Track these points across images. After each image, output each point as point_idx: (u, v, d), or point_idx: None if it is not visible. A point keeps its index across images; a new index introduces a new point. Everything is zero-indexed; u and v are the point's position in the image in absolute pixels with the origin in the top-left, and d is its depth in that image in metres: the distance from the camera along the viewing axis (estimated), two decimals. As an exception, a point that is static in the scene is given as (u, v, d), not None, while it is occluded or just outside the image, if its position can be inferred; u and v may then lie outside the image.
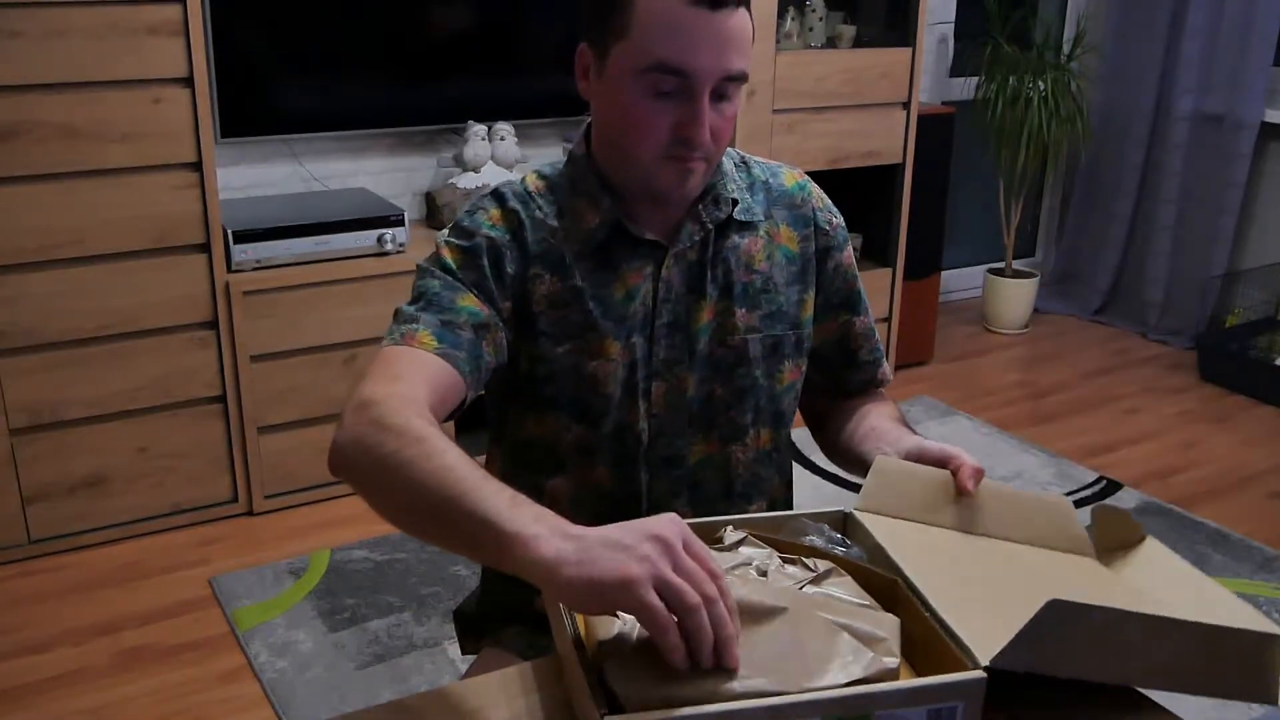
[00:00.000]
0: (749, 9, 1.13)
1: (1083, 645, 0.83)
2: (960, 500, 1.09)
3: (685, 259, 1.21)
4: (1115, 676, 0.87)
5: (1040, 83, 3.83)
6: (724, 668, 0.78)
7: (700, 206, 1.21)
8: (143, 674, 2.18)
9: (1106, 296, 4.28)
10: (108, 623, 2.33)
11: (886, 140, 3.43)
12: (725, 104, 1.13)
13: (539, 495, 1.25)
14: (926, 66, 3.96)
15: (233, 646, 2.26)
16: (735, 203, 1.23)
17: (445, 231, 1.21)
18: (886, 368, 1.37)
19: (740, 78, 1.12)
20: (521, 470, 1.27)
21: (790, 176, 1.31)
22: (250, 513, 2.75)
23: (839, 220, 1.32)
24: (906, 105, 3.42)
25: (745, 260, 1.23)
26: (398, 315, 1.15)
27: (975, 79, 4.00)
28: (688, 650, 0.77)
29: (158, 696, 2.12)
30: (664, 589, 0.76)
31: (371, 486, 0.99)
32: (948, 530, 1.07)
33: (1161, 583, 1.04)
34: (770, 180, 1.29)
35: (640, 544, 0.78)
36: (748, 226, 1.24)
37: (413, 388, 1.04)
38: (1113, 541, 1.12)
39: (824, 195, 1.33)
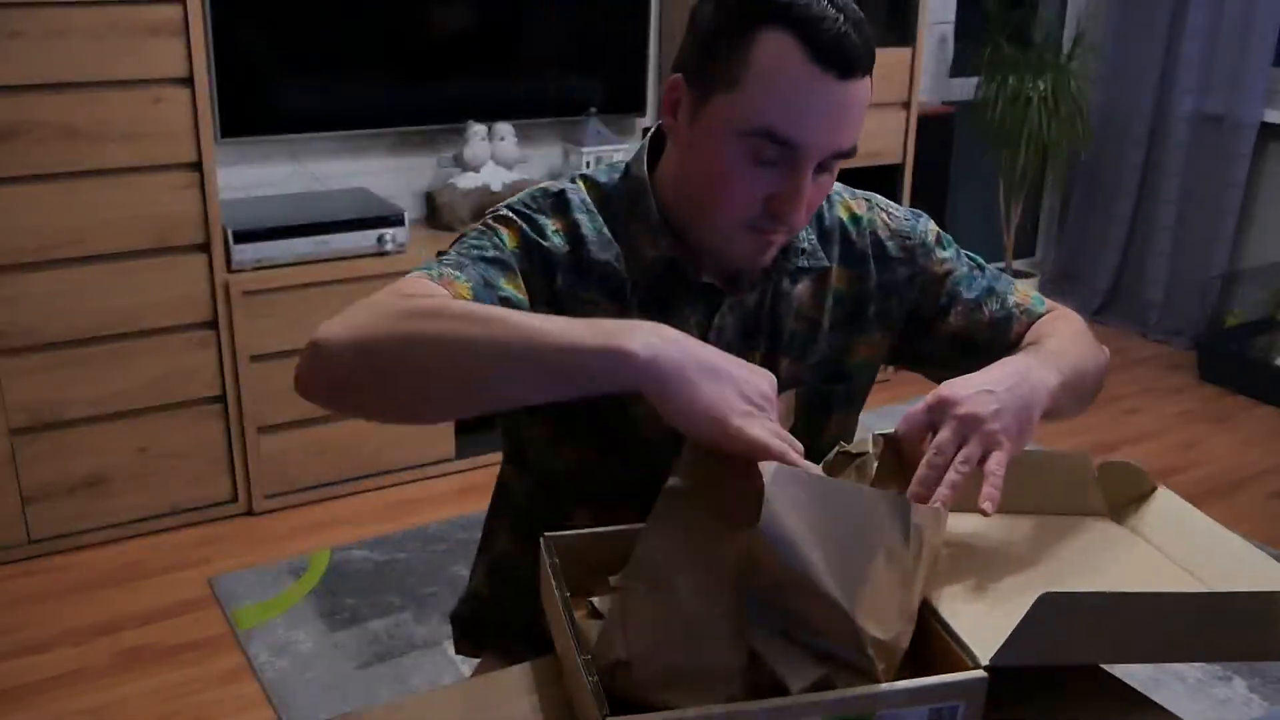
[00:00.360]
0: (871, 74, 1.01)
1: (1080, 633, 0.83)
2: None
3: (743, 305, 1.12)
4: (1120, 657, 0.86)
5: (1040, 83, 3.83)
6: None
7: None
8: (143, 674, 2.18)
9: (1106, 296, 4.28)
10: (108, 623, 2.33)
11: (886, 140, 3.43)
12: (825, 176, 1.03)
13: (565, 524, 1.19)
14: (926, 66, 3.96)
15: (233, 646, 2.26)
16: (804, 251, 1.13)
17: (502, 207, 1.10)
18: (1025, 306, 1.21)
19: (850, 154, 1.01)
20: (548, 496, 1.20)
21: (848, 209, 1.18)
22: (250, 513, 2.75)
23: (918, 235, 1.19)
24: (906, 105, 3.42)
25: (798, 307, 1.13)
26: (440, 256, 1.04)
27: (975, 79, 4.00)
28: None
29: (158, 696, 2.12)
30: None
31: (401, 365, 0.88)
32: (953, 514, 1.05)
33: (1174, 536, 1.04)
34: (825, 212, 1.17)
35: (754, 396, 0.85)
36: (807, 271, 1.14)
37: None
38: (1123, 496, 1.11)
39: (892, 214, 1.20)
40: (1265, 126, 3.76)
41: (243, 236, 2.59)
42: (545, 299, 1.06)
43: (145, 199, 2.45)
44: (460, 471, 2.95)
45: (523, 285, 1.03)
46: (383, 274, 2.71)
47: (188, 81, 2.42)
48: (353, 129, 2.95)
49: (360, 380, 0.89)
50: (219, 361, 2.62)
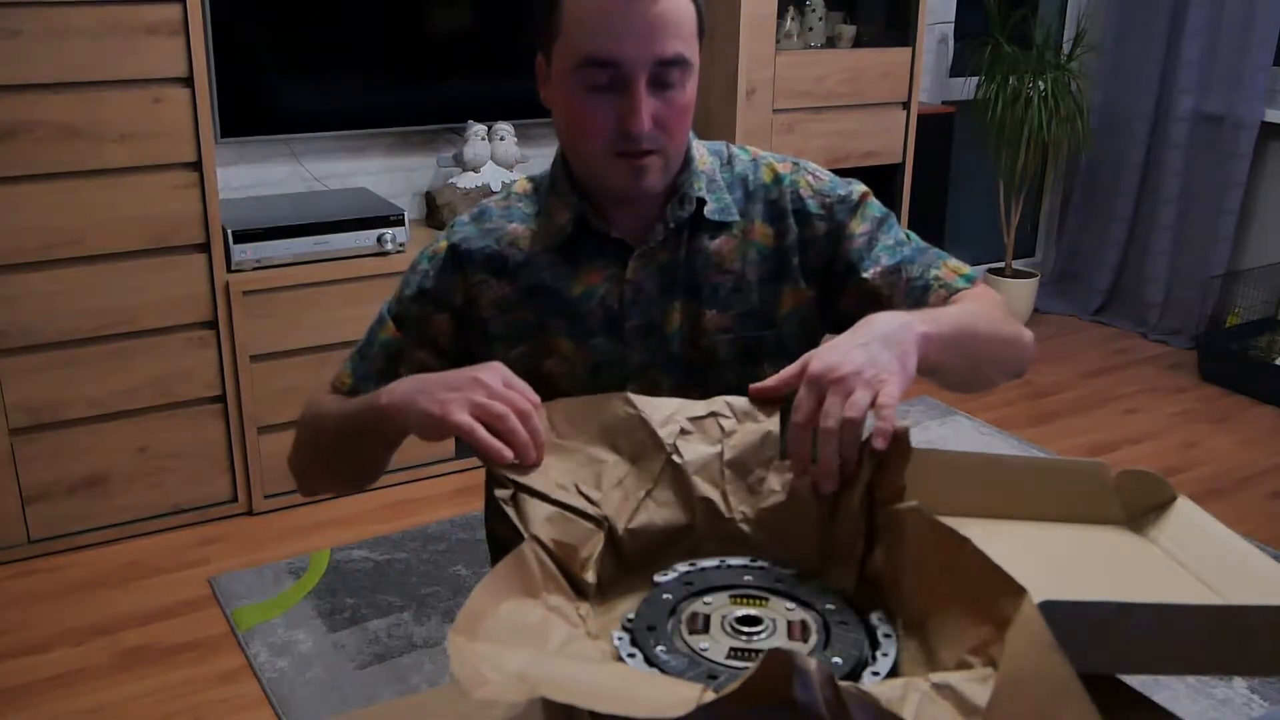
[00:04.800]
0: None
1: (1083, 642, 0.82)
2: (985, 480, 1.04)
3: (656, 260, 1.20)
4: (1125, 668, 0.86)
5: (1040, 83, 3.83)
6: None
7: (668, 206, 1.19)
8: (143, 674, 2.18)
9: (1106, 296, 4.28)
10: (108, 623, 2.33)
11: (886, 140, 3.43)
12: (671, 92, 1.10)
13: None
14: (926, 66, 3.96)
15: (233, 646, 2.26)
16: (702, 202, 1.20)
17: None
18: (945, 281, 1.20)
19: (679, 62, 1.09)
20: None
21: (771, 170, 1.25)
22: (250, 513, 2.75)
23: (840, 194, 1.24)
24: (906, 105, 3.42)
25: (716, 261, 1.21)
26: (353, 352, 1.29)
27: (975, 79, 4.00)
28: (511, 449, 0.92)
29: (158, 696, 2.12)
30: (477, 410, 0.93)
31: (305, 462, 1.24)
32: (967, 519, 1.05)
33: (1193, 547, 1.02)
34: (750, 175, 1.24)
35: (462, 384, 0.96)
36: (721, 227, 1.21)
37: None
38: (1142, 505, 1.10)
39: (819, 177, 1.26)
40: (1265, 126, 3.76)
41: (243, 236, 2.59)
42: (441, 303, 1.23)
43: (145, 199, 2.45)
44: (459, 471, 2.95)
45: (391, 326, 1.24)
46: (382, 274, 2.72)
47: (188, 81, 2.42)
48: (353, 129, 2.95)
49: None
50: (219, 361, 2.62)
